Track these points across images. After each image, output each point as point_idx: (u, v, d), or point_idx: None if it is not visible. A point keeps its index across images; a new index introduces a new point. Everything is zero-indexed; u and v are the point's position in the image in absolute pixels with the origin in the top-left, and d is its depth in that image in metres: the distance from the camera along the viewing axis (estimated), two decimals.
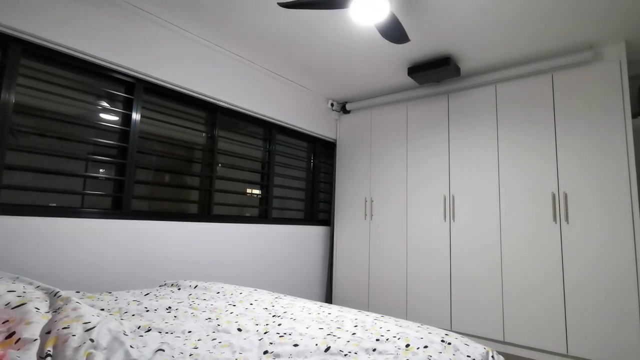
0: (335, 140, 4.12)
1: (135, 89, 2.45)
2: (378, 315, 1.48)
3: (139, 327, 1.21)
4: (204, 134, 2.93)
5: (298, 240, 3.57)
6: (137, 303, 1.50)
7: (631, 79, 3.00)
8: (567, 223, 2.65)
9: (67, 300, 1.13)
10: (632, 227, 2.42)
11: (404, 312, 3.35)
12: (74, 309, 1.05)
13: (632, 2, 2.18)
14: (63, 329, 0.93)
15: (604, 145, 2.58)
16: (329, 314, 1.48)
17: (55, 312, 1.07)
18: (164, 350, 1.00)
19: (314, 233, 3.76)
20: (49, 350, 0.86)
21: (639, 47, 2.68)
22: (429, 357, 1.04)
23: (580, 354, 2.51)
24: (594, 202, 2.57)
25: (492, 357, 1.18)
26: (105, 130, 2.34)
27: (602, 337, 2.44)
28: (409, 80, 3.43)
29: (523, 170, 2.88)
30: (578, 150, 2.67)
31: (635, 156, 2.91)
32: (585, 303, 2.53)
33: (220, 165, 3.01)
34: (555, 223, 2.70)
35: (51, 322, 0.99)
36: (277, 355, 1.05)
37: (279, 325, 1.31)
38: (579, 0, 2.19)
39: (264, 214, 3.35)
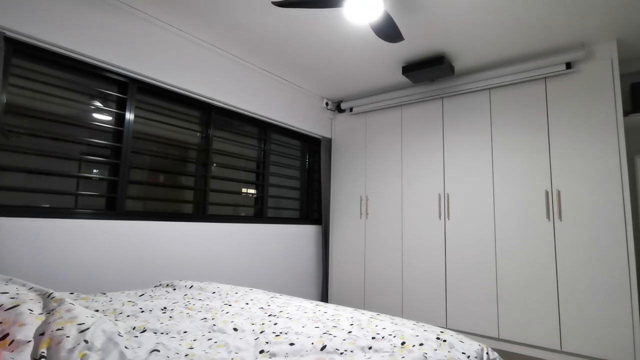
0: (331, 139, 4.12)
1: (128, 89, 2.43)
2: (374, 314, 1.48)
3: (134, 327, 1.21)
4: (198, 134, 2.92)
5: (294, 240, 3.57)
6: (132, 304, 1.49)
7: (622, 77, 3.03)
8: (560, 220, 2.68)
9: (61, 301, 1.13)
10: (624, 224, 2.45)
11: (400, 310, 3.37)
12: (68, 310, 1.04)
13: (623, 1, 2.20)
14: (57, 330, 0.93)
15: (596, 143, 2.61)
16: (325, 312, 1.48)
17: (49, 313, 1.06)
18: (159, 351, 1.00)
19: (309, 232, 3.76)
20: (43, 352, 0.85)
21: (630, 46, 2.71)
22: (425, 355, 1.05)
23: (573, 349, 2.53)
24: (587, 199, 2.60)
25: (487, 353, 1.19)
26: (99, 130, 2.32)
27: (596, 333, 2.47)
28: (404, 79, 3.44)
29: (517, 169, 2.90)
30: (571, 148, 2.70)
31: (627, 154, 2.95)
32: (578, 299, 2.56)
33: (215, 164, 3.00)
34: (549, 220, 2.72)
35: (45, 323, 0.98)
36: (273, 355, 1.05)
37: (275, 324, 1.31)
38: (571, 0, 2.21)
39: (259, 213, 3.35)
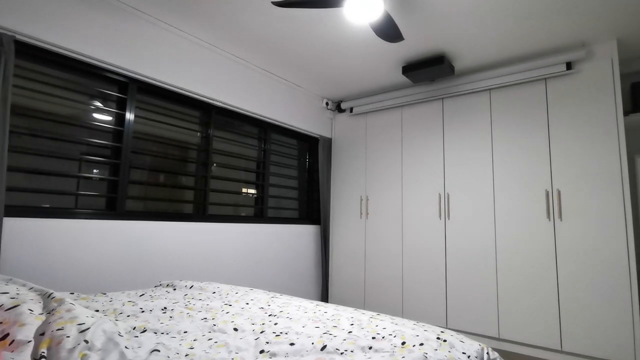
0: (331, 138, 4.12)
1: (128, 89, 2.43)
2: (374, 314, 1.48)
3: (134, 327, 1.21)
4: (198, 134, 2.92)
5: (294, 240, 3.57)
6: (132, 304, 1.49)
7: (623, 77, 3.02)
8: (561, 220, 2.68)
9: (61, 301, 1.13)
10: (625, 224, 2.45)
11: (400, 310, 3.36)
12: (68, 310, 1.04)
13: (623, 1, 2.20)
14: (57, 330, 0.93)
15: (597, 142, 2.60)
16: (325, 312, 1.48)
17: (49, 313, 1.06)
18: (159, 351, 1.00)
19: (310, 232, 3.76)
20: (43, 352, 0.85)
21: (631, 45, 2.71)
22: (425, 355, 1.04)
23: (574, 349, 2.53)
24: (587, 199, 2.59)
25: (488, 353, 1.19)
26: (99, 130, 2.32)
27: (596, 333, 2.47)
28: (404, 79, 3.44)
29: (517, 168, 2.90)
30: (571, 148, 2.70)
31: (627, 153, 2.95)
32: (579, 299, 2.55)
33: (215, 164, 3.00)
34: (549, 220, 2.72)
35: (45, 323, 0.98)
36: (274, 355, 1.05)
37: (275, 324, 1.31)
38: None
39: (259, 213, 3.35)
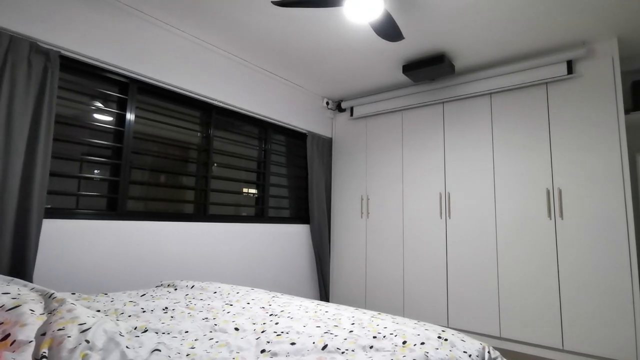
0: (331, 138, 4.12)
1: (129, 89, 2.43)
2: (375, 313, 1.48)
3: (135, 327, 1.21)
4: (199, 134, 2.92)
5: (295, 239, 3.57)
6: (134, 304, 1.50)
7: (623, 75, 3.02)
8: (562, 219, 2.67)
9: (62, 301, 1.13)
10: (626, 222, 2.44)
11: (401, 309, 3.36)
12: (69, 311, 1.04)
13: None
14: (58, 330, 0.93)
15: (598, 141, 2.60)
16: (326, 312, 1.48)
17: (50, 313, 1.06)
18: (160, 351, 1.00)
19: (309, 231, 3.76)
20: (45, 352, 0.85)
21: (631, 44, 2.70)
22: (426, 354, 1.04)
23: (575, 348, 2.53)
24: (588, 197, 2.59)
25: (489, 352, 1.19)
26: (100, 131, 2.32)
27: (597, 332, 2.47)
28: (404, 78, 3.44)
29: (518, 167, 2.90)
30: (572, 147, 2.69)
31: (628, 152, 2.94)
32: (580, 298, 2.55)
33: (215, 164, 3.00)
34: (550, 219, 2.72)
35: (46, 323, 0.98)
36: (275, 354, 1.05)
37: (276, 324, 1.31)
38: None
39: (260, 213, 3.35)
